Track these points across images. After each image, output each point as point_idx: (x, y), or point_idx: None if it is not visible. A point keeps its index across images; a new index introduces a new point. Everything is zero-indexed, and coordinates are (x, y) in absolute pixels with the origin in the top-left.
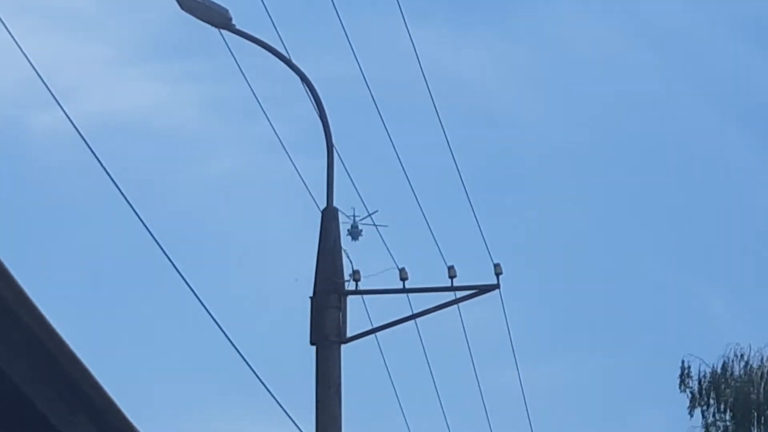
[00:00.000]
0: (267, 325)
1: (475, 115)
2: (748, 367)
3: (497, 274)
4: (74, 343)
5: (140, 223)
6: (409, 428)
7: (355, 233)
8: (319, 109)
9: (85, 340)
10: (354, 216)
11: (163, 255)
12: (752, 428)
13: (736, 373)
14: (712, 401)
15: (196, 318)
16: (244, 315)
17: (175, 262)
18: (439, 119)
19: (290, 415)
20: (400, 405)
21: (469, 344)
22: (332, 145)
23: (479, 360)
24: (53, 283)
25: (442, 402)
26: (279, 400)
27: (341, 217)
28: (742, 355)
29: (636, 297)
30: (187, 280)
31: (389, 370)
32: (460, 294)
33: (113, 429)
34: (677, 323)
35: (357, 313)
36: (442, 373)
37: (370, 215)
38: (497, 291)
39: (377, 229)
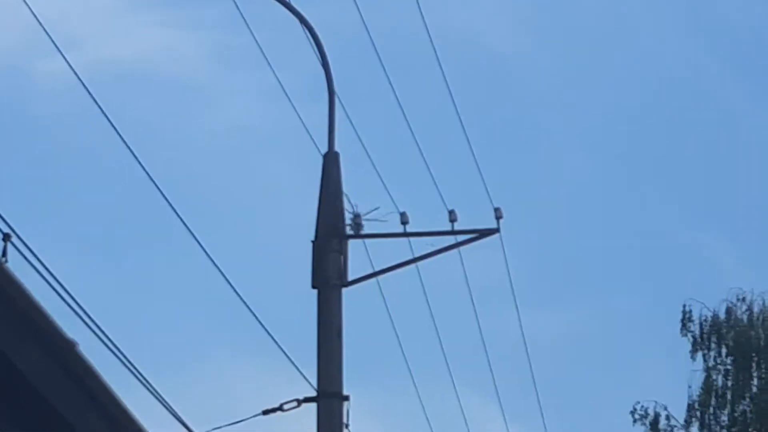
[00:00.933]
0: (269, 270)
1: (477, 60)
2: (750, 311)
3: (498, 218)
4: (79, 291)
5: (143, 170)
6: (410, 372)
7: (357, 227)
8: (320, 55)
9: (89, 286)
10: (355, 212)
11: (166, 202)
12: (753, 372)
13: (738, 317)
14: (713, 345)
15: (198, 264)
16: (246, 260)
17: (177, 209)
18: (440, 64)
19: (291, 358)
20: (401, 349)
21: (470, 289)
22: (333, 91)
23: (480, 305)
24: (56, 231)
25: (444, 346)
26: (280, 344)
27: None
28: (743, 300)
29: (638, 242)
30: (189, 227)
31: (390, 313)
32: (460, 238)
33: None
34: (679, 268)
35: (358, 258)
36: (443, 318)
37: (371, 211)
38: (498, 235)
39: (380, 176)
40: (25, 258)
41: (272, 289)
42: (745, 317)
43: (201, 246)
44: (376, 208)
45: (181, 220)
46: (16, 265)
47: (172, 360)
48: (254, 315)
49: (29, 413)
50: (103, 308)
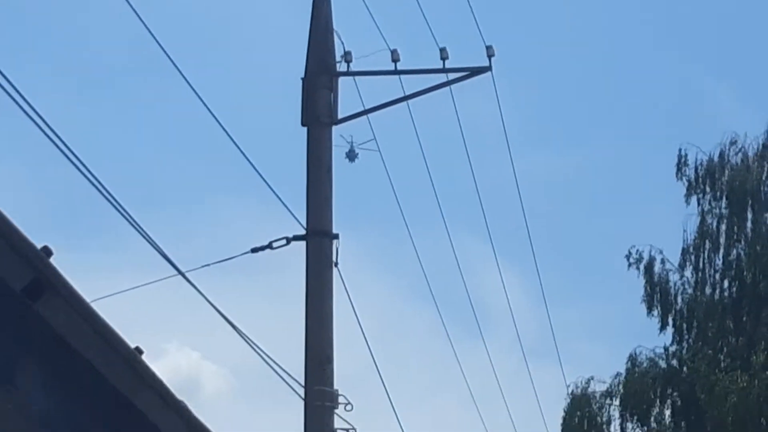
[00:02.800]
0: (259, 108)
1: None
2: (744, 155)
3: (489, 57)
4: (76, 134)
5: (133, 12)
6: (402, 213)
7: (351, 156)
8: None
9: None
10: (351, 142)
11: (157, 45)
12: (747, 215)
13: (732, 161)
14: (707, 189)
15: (187, 104)
16: (236, 99)
17: (165, 47)
18: None
19: (280, 196)
20: (393, 190)
21: (462, 130)
22: None
23: (473, 147)
24: (52, 77)
25: (435, 187)
26: (270, 184)
27: (340, 141)
28: (736, 142)
29: (635, 84)
30: (177, 65)
31: (382, 154)
32: (452, 76)
33: None
34: (677, 112)
35: (349, 97)
36: (434, 159)
37: (366, 142)
38: (489, 74)
39: (370, 13)
40: (9, 95)
41: (263, 128)
42: (739, 161)
43: (188, 83)
44: (371, 140)
45: (169, 57)
46: None
47: (163, 201)
48: (242, 153)
49: None
50: (92, 148)
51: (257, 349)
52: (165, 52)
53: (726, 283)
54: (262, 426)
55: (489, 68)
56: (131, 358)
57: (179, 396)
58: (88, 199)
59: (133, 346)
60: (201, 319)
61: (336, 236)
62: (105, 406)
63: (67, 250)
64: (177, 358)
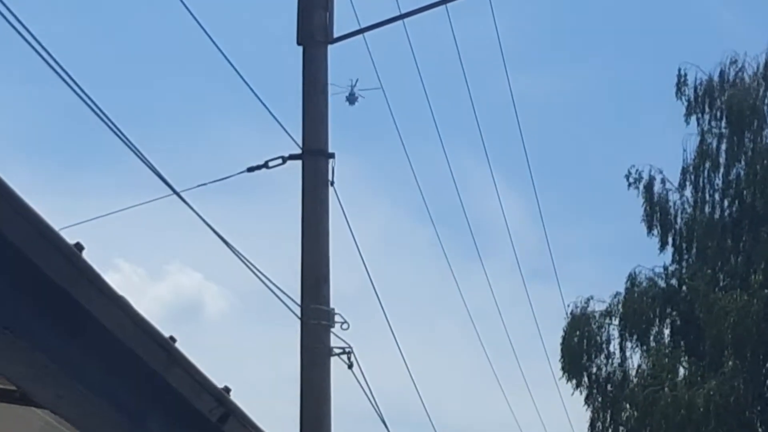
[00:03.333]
0: (253, 27)
1: None
2: (744, 74)
3: None
4: (69, 53)
5: None
6: (399, 133)
7: (352, 99)
8: None
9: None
10: (352, 86)
11: None
12: (746, 134)
13: (732, 80)
14: (707, 109)
15: (184, 25)
16: (233, 18)
17: None
18: None
19: (275, 115)
20: (389, 109)
21: (460, 51)
22: None
23: (471, 69)
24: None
25: (432, 106)
26: (267, 104)
27: (339, 81)
28: (736, 62)
29: (636, 1)
30: None
31: (378, 74)
32: None
33: None
34: (678, 30)
35: (345, 15)
36: (432, 81)
37: (366, 90)
38: None
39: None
40: (8, 22)
41: (260, 48)
42: (739, 80)
43: (183, 3)
44: (377, 88)
45: None
46: None
47: (159, 122)
48: (237, 72)
49: None
50: (87, 68)
51: (253, 268)
52: None
53: (726, 203)
54: (263, 345)
55: None
56: (69, 252)
57: (183, 314)
58: (84, 120)
59: (76, 244)
60: (202, 241)
61: (332, 155)
62: (44, 298)
63: (66, 169)
64: (179, 279)
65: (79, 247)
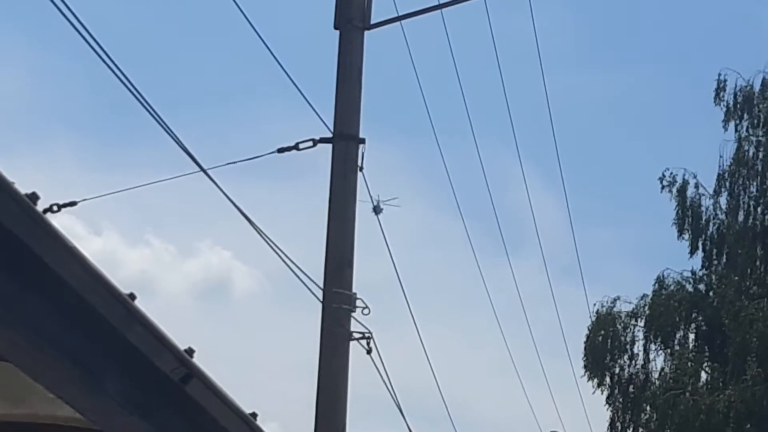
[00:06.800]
0: (290, 10)
1: None
2: None
3: None
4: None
5: None
6: (431, 120)
7: (377, 210)
8: None
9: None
10: (379, 199)
11: None
12: None
13: None
14: (745, 116)
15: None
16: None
17: None
18: None
19: (308, 98)
20: (423, 97)
21: (496, 47)
22: None
23: (511, 65)
24: None
25: (468, 100)
26: (299, 86)
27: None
28: None
29: (679, 6)
30: None
31: (414, 61)
32: None
33: None
34: (720, 36)
35: (382, 2)
36: (467, 74)
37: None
38: None
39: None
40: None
41: (296, 32)
42: None
43: None
44: (395, 198)
45: None
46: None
47: (192, 102)
48: (271, 53)
49: None
50: (124, 47)
51: (276, 249)
52: None
53: (759, 211)
54: (287, 327)
55: None
56: (23, 202)
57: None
58: (116, 97)
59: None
60: (232, 220)
61: (363, 140)
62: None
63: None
64: (209, 257)
65: (34, 197)
